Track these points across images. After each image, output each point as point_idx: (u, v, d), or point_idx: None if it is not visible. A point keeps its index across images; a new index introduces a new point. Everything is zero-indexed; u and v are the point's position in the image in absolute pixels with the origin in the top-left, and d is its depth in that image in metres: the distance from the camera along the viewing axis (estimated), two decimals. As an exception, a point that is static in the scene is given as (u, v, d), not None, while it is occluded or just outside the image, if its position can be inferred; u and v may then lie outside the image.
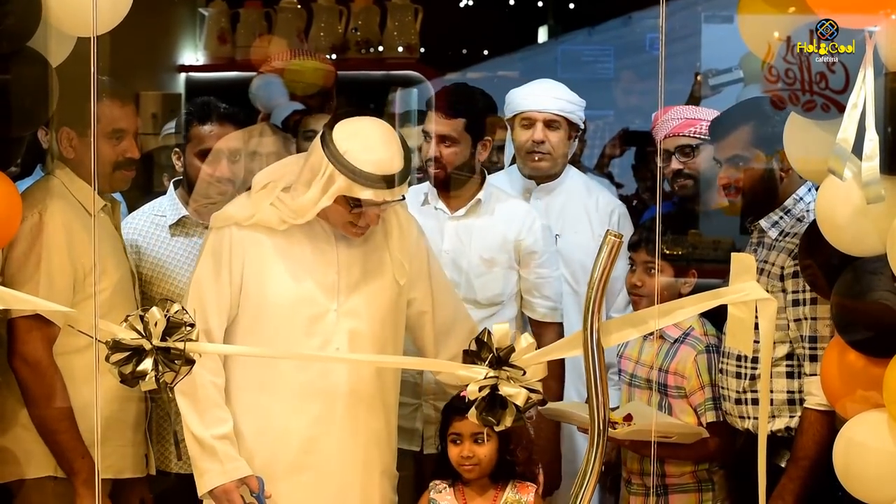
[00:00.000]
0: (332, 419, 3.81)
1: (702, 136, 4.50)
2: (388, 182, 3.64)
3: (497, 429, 3.36)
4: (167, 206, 4.43)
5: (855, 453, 3.41)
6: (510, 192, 4.73)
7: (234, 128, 4.38)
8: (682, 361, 4.20)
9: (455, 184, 4.55)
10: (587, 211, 4.80)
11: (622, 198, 5.15)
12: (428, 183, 4.62)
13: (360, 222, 3.73)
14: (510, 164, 5.08)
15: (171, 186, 4.49)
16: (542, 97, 4.80)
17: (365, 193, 3.63)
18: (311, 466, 3.83)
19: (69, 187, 3.99)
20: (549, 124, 4.76)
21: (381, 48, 6.36)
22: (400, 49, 6.34)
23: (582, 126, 4.89)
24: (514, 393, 3.30)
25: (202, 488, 3.74)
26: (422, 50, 6.35)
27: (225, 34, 6.46)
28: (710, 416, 4.14)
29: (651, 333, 4.22)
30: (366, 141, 3.69)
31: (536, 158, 4.77)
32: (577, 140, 4.93)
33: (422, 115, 6.27)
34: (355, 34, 6.38)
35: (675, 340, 4.24)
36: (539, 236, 4.58)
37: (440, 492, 4.01)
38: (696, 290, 4.26)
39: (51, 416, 3.85)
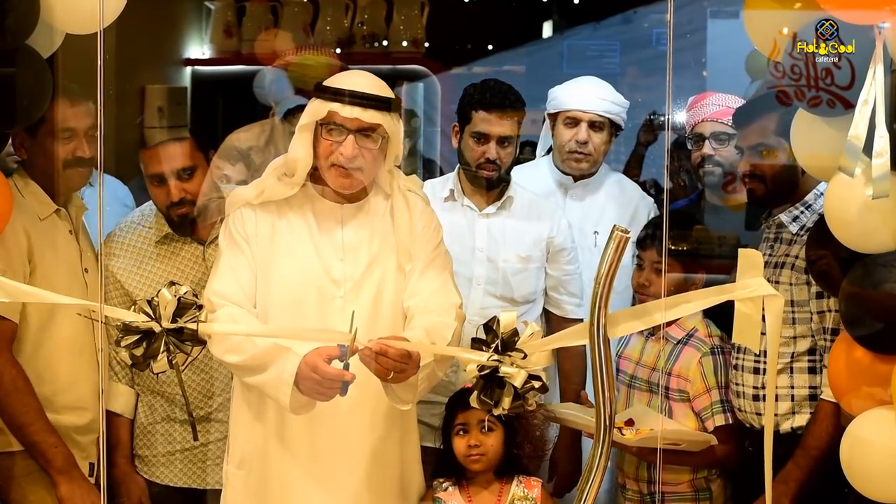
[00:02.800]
0: (339, 416, 3.77)
1: None
2: (355, 98, 3.68)
3: (495, 412, 3.37)
4: (153, 219, 4.36)
5: (861, 450, 3.41)
6: (531, 188, 4.72)
7: (176, 144, 4.27)
8: (685, 364, 4.13)
9: (487, 181, 4.54)
10: (622, 208, 4.78)
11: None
12: (452, 178, 4.62)
13: (337, 159, 3.71)
14: (543, 155, 5.07)
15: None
16: (589, 97, 4.75)
17: (332, 106, 3.68)
18: (320, 469, 3.81)
19: (22, 191, 4.01)
20: (594, 125, 4.72)
21: (386, 42, 6.33)
22: (406, 43, 6.32)
23: (623, 127, 4.85)
24: (513, 373, 3.31)
25: (285, 389, 3.54)
26: (427, 44, 6.32)
27: (231, 28, 6.47)
28: (718, 420, 4.06)
29: (653, 333, 4.19)
30: (347, 73, 3.84)
31: (578, 159, 4.75)
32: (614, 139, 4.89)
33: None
34: (361, 28, 6.37)
35: (679, 342, 4.17)
36: (567, 233, 4.61)
37: (445, 489, 3.99)
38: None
39: (15, 412, 3.86)
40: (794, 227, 3.95)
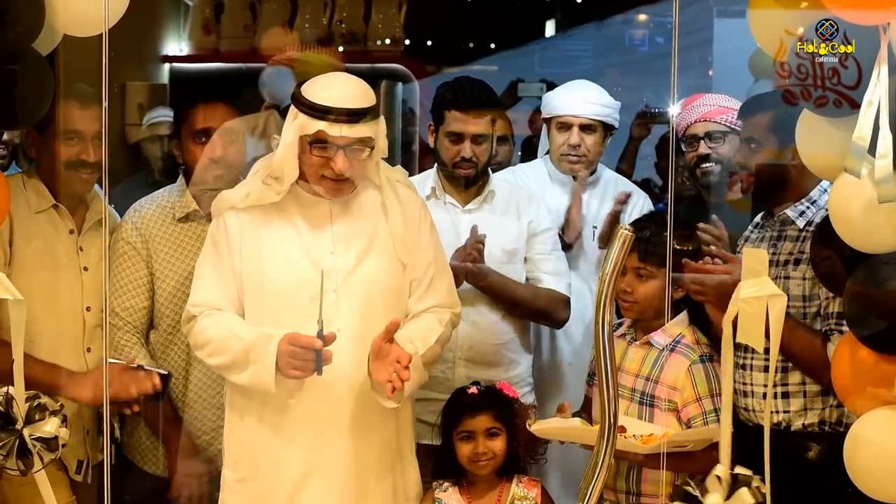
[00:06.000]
0: (335, 412, 3.83)
1: (732, 126, 4.57)
2: (342, 115, 3.71)
3: None
4: (176, 197, 4.43)
5: (864, 450, 3.45)
6: (531, 185, 4.89)
7: (224, 106, 4.40)
8: (673, 372, 4.05)
9: (465, 179, 4.65)
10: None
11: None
12: (433, 175, 4.71)
13: (329, 173, 3.77)
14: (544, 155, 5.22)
15: (182, 176, 4.49)
16: (578, 102, 4.95)
17: (319, 125, 3.71)
18: (318, 469, 3.84)
19: (25, 183, 4.11)
20: (586, 128, 4.92)
21: (367, 40, 6.37)
22: (384, 41, 6.36)
23: (617, 126, 5.06)
24: None
25: (267, 376, 3.67)
26: (407, 42, 6.37)
27: (209, 24, 6.50)
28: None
29: (636, 338, 4.17)
30: (326, 82, 3.84)
31: (573, 161, 4.94)
32: (609, 139, 5.09)
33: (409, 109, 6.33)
34: (340, 26, 6.40)
35: (665, 348, 4.09)
36: (545, 216, 4.75)
37: (445, 490, 4.03)
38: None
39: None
40: (800, 223, 3.98)
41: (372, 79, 5.91)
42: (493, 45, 7.28)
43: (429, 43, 7.12)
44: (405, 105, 6.39)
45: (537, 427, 4.01)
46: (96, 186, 4.25)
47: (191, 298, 3.91)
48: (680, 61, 3.52)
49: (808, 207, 4.00)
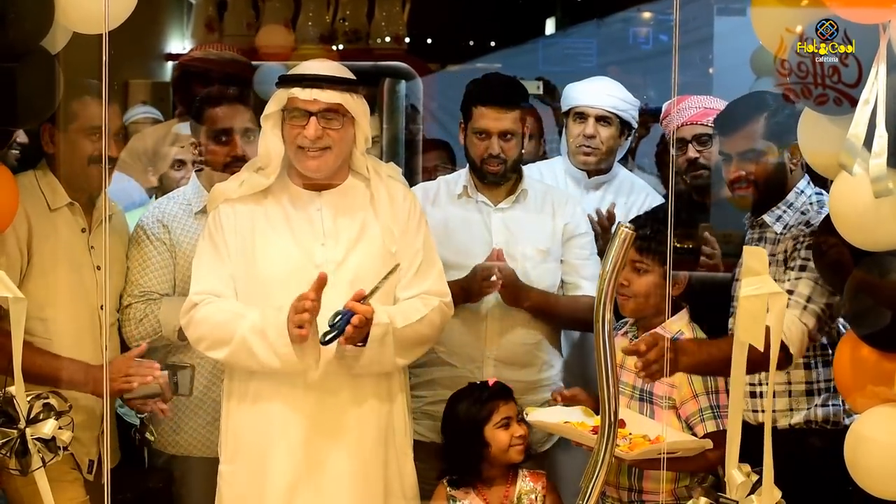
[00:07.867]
0: (329, 402, 3.89)
1: None
2: (313, 80, 3.87)
3: None
4: (192, 194, 4.49)
5: (865, 448, 3.46)
6: (547, 181, 4.88)
7: (242, 107, 4.51)
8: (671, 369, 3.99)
9: (494, 176, 4.61)
10: (633, 206, 4.88)
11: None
12: (465, 174, 4.68)
13: (304, 141, 3.86)
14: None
15: (194, 175, 4.56)
16: (596, 93, 4.97)
17: (292, 92, 3.88)
18: (314, 461, 3.88)
19: (40, 181, 4.12)
20: (602, 120, 4.92)
21: (368, 38, 6.37)
22: (386, 39, 6.35)
23: (635, 125, 5.06)
24: None
25: (285, 346, 3.76)
26: (408, 40, 6.37)
27: (212, 22, 6.49)
28: (709, 426, 3.94)
29: (636, 336, 4.15)
30: (304, 63, 4.03)
31: (587, 152, 4.93)
32: (629, 139, 5.10)
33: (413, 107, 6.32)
34: (343, 24, 6.39)
35: None
36: (581, 219, 4.70)
37: (458, 487, 4.08)
38: (692, 288, 4.21)
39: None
40: (778, 227, 4.01)
41: (375, 76, 5.95)
42: (493, 43, 7.28)
43: (429, 41, 7.12)
44: (408, 102, 6.38)
45: (533, 418, 4.08)
46: None
47: (192, 289, 3.96)
48: (680, 59, 3.52)
49: (784, 211, 4.02)
